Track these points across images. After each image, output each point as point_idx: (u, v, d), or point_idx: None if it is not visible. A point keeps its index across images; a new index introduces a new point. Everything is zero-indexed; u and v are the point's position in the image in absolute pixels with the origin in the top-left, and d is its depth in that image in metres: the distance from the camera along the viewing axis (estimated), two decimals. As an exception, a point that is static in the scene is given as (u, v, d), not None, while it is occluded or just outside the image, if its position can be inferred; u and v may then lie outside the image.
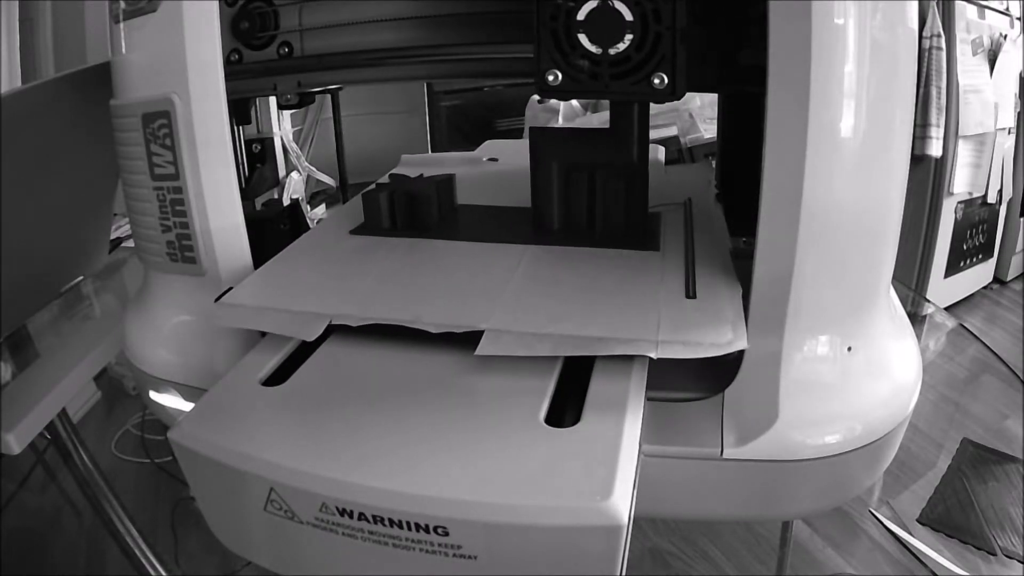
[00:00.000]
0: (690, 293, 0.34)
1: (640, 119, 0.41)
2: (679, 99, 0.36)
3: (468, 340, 0.30)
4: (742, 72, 0.43)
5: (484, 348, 0.30)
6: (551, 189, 0.43)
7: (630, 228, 0.42)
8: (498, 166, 0.65)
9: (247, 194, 0.56)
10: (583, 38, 0.36)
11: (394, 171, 0.56)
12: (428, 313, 0.32)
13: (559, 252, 0.40)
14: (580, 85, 0.36)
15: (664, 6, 0.34)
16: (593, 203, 0.43)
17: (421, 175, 0.48)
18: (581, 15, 0.35)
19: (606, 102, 0.41)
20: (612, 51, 0.35)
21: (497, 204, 0.50)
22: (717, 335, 0.30)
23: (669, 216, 0.46)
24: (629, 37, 0.35)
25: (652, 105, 0.41)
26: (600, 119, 1.49)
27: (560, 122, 1.53)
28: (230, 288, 0.36)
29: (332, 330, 0.33)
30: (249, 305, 0.34)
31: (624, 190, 0.42)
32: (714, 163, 0.63)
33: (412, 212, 0.45)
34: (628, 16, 0.35)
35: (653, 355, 0.28)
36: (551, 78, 0.36)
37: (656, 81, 0.35)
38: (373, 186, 0.47)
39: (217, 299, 0.35)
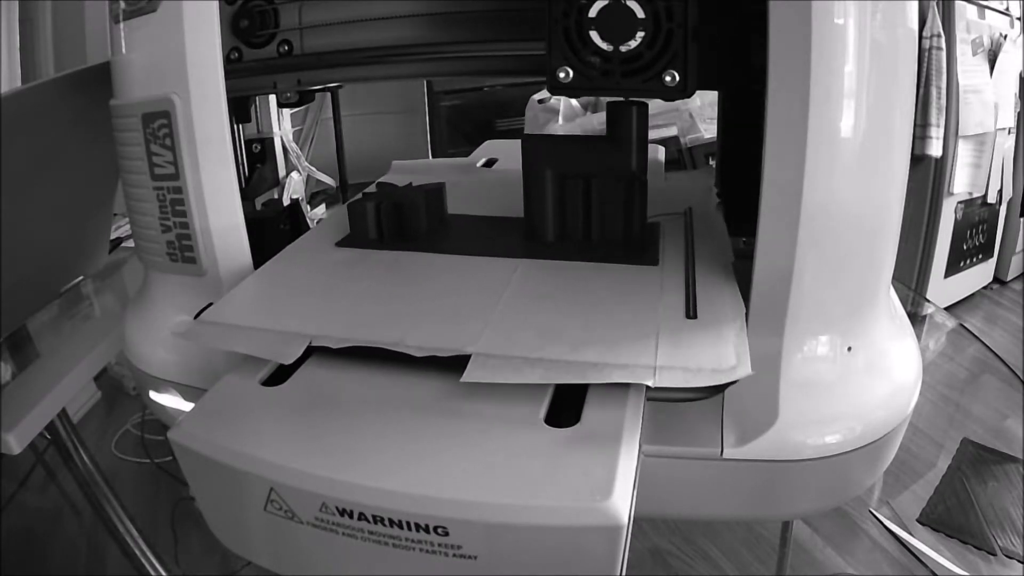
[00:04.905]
0: (690, 313, 0.33)
1: (639, 123, 0.39)
2: (690, 96, 0.36)
3: (457, 357, 0.29)
4: (753, 71, 0.43)
5: (471, 374, 0.28)
6: (545, 199, 0.41)
7: (628, 240, 0.41)
8: (492, 173, 0.64)
9: (247, 194, 0.56)
10: (595, 35, 0.35)
11: (383, 179, 0.55)
12: (412, 335, 0.31)
13: (553, 267, 0.39)
14: (591, 82, 0.36)
15: (676, 4, 0.34)
16: (589, 214, 0.41)
17: (410, 184, 0.46)
18: (593, 12, 0.35)
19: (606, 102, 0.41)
20: (623, 48, 0.35)
21: (490, 214, 0.48)
22: (719, 360, 0.29)
23: (669, 226, 0.44)
24: (641, 34, 0.35)
25: (651, 104, 0.41)
26: (600, 120, 1.49)
27: (560, 122, 1.52)
28: (210, 304, 0.35)
29: (315, 349, 0.31)
30: (228, 323, 0.33)
31: (622, 200, 0.40)
32: (714, 163, 0.63)
33: (399, 223, 0.43)
34: (640, 13, 0.35)
35: (650, 383, 0.27)
36: (563, 75, 0.36)
37: (668, 79, 0.35)
38: (360, 195, 0.45)
39: (196, 316, 0.34)
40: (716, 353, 0.29)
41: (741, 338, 0.30)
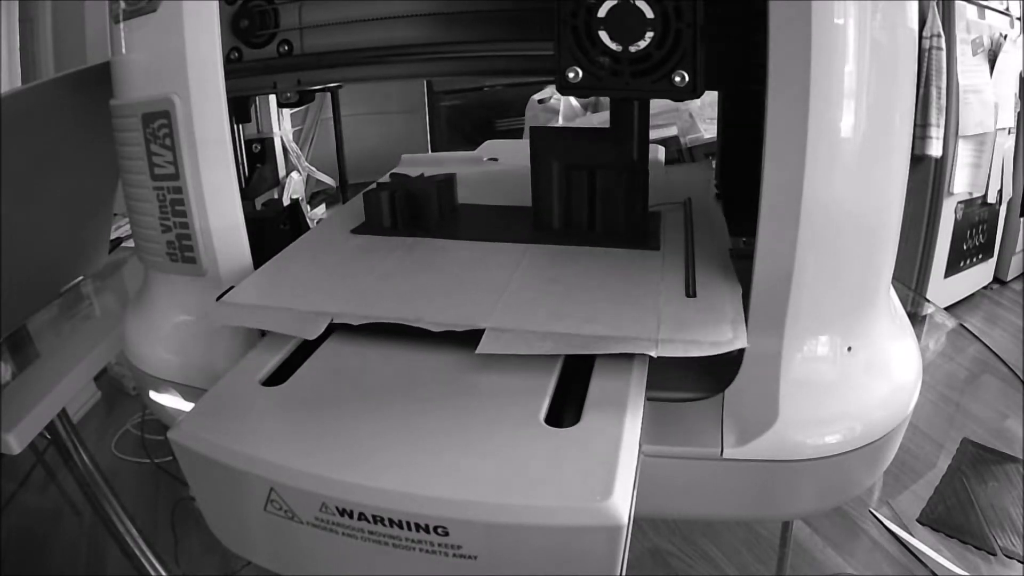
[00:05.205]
0: (690, 292, 0.34)
1: (640, 119, 0.40)
2: (699, 97, 0.36)
3: (469, 339, 0.30)
4: (745, 69, 0.43)
5: (485, 346, 0.30)
6: (551, 189, 0.43)
7: (630, 227, 0.42)
8: (499, 166, 0.65)
9: (247, 194, 0.56)
10: (604, 35, 0.35)
11: (395, 171, 0.56)
12: (429, 312, 0.32)
13: (559, 251, 0.40)
14: (601, 83, 0.36)
15: (685, 4, 0.34)
16: (593, 202, 0.43)
17: (422, 174, 0.48)
18: (602, 12, 0.35)
19: (606, 102, 0.41)
20: (633, 48, 0.35)
21: (498, 204, 0.50)
22: (717, 334, 0.30)
23: (669, 215, 0.46)
24: (650, 35, 0.35)
25: (652, 104, 0.41)
26: (600, 119, 1.49)
27: (560, 122, 1.53)
28: (231, 287, 0.36)
29: (332, 329, 0.32)
30: (250, 304, 0.34)
31: (624, 189, 0.42)
32: (714, 163, 0.63)
33: (413, 211, 0.45)
34: (649, 13, 0.35)
35: (653, 354, 0.28)
36: (572, 75, 0.36)
37: (677, 79, 0.35)
38: (374, 185, 0.47)
39: (219, 298, 0.35)
40: (714, 328, 0.30)
41: (738, 314, 0.31)
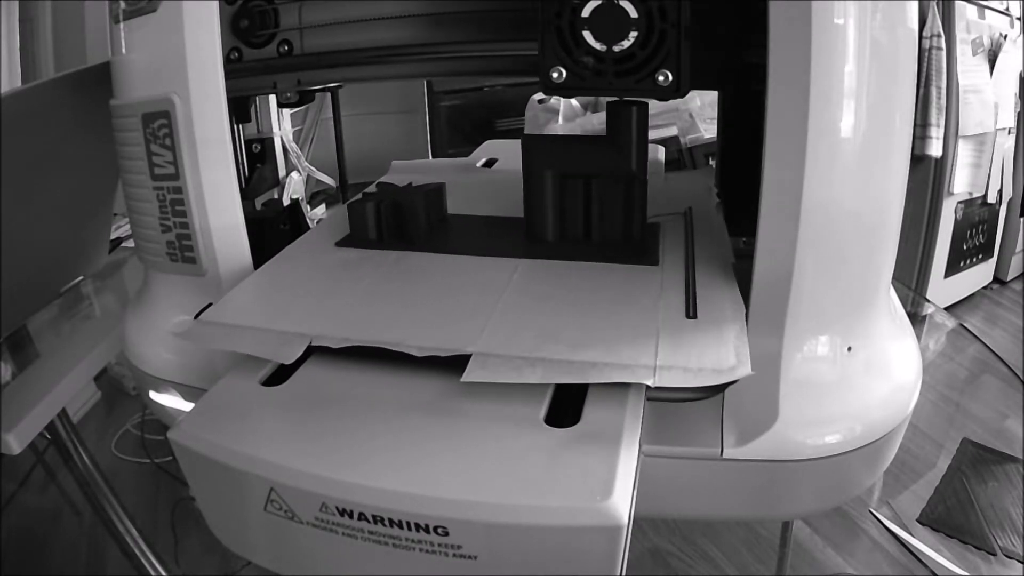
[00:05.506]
0: (690, 313, 0.33)
1: (639, 124, 0.39)
2: (683, 96, 0.36)
3: (456, 359, 0.29)
4: (745, 70, 0.43)
5: (471, 374, 0.28)
6: (545, 200, 0.41)
7: (628, 241, 0.41)
8: (492, 173, 0.64)
9: (247, 194, 0.56)
10: (588, 35, 0.35)
11: (383, 179, 0.55)
12: (412, 334, 0.31)
13: (553, 267, 0.39)
14: (585, 82, 0.36)
15: (669, 4, 0.34)
16: (589, 214, 0.41)
17: (410, 184, 0.46)
18: (586, 12, 0.35)
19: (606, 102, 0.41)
20: (616, 48, 0.35)
21: (490, 214, 0.48)
22: (719, 360, 0.29)
23: (669, 227, 0.44)
24: (634, 34, 0.35)
25: (651, 104, 0.41)
26: (600, 119, 1.49)
27: (560, 122, 1.53)
28: (210, 304, 0.35)
29: (315, 348, 0.31)
30: (228, 324, 0.33)
31: (621, 200, 0.40)
32: (714, 163, 0.63)
33: (399, 223, 0.43)
34: (633, 13, 0.35)
35: (651, 383, 0.27)
36: (555, 75, 0.36)
37: (661, 78, 0.35)
38: (359, 195, 0.45)
39: (196, 316, 0.34)
40: (716, 353, 0.29)
41: (741, 338, 0.30)
